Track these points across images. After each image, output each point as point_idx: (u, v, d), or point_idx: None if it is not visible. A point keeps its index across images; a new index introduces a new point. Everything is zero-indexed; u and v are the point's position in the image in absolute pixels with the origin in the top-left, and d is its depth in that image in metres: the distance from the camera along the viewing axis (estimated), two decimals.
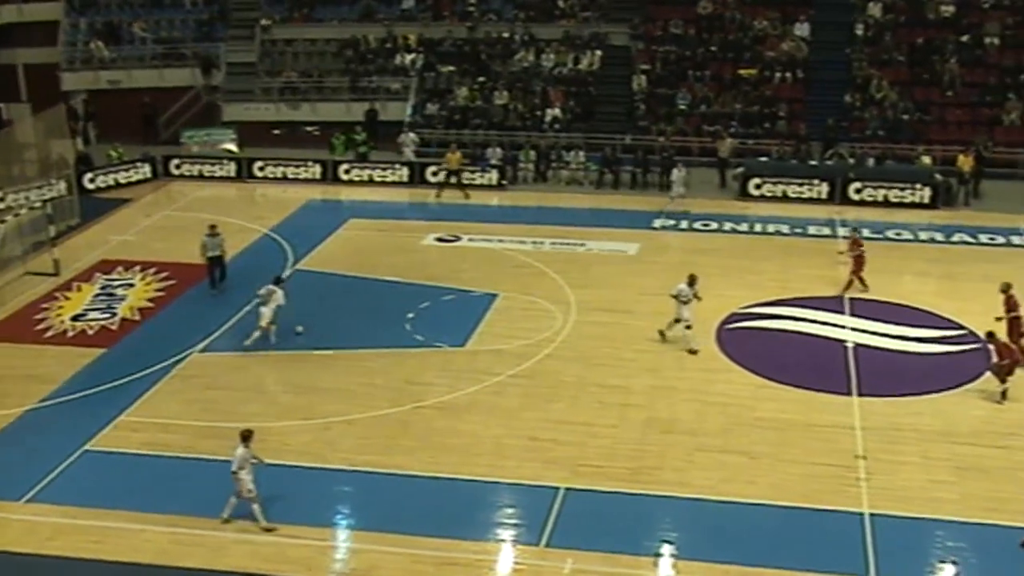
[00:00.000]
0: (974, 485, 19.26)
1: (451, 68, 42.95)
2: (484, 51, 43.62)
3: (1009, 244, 31.71)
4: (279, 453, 19.89)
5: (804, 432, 21.14)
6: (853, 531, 17.94)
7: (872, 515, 18.32)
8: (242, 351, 24.72)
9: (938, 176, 35.54)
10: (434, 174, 37.55)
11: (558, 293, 27.93)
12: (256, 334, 24.93)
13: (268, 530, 18.06)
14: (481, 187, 37.37)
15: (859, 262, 27.94)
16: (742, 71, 41.30)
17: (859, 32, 41.99)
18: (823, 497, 18.94)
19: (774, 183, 36.03)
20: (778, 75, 41.05)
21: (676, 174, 34.82)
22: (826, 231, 32.90)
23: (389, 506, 18.86)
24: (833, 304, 27.01)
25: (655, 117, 40.20)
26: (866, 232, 31.62)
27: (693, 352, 24.38)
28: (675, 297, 24.76)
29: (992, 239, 32.05)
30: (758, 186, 36.16)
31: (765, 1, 43.63)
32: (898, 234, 32.55)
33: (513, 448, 20.66)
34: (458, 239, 32.34)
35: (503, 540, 18.01)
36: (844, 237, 29.99)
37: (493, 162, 37.90)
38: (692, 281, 24.76)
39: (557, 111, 40.66)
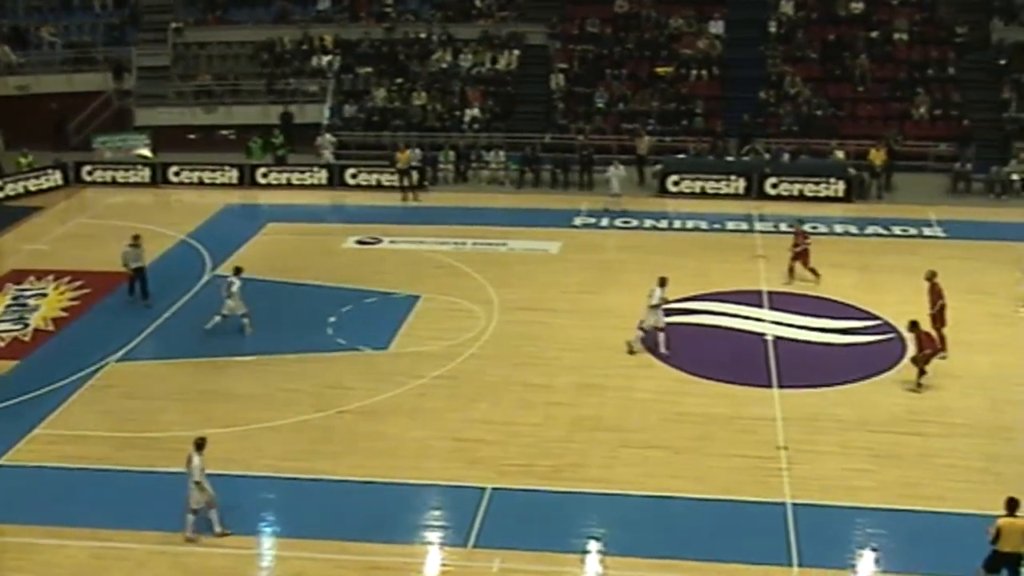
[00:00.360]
0: (890, 472, 19.63)
1: (368, 69, 42.73)
2: (402, 52, 43.47)
3: (921, 235, 32.38)
4: None
5: (727, 425, 21.37)
6: (776, 521, 18.18)
7: (794, 504, 18.58)
8: (163, 359, 24.36)
9: (851, 170, 36.20)
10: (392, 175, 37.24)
11: (480, 293, 27.91)
12: (216, 319, 25.23)
13: (224, 535, 17.81)
14: (401, 188, 37.19)
15: (804, 256, 28.28)
16: (659, 69, 41.68)
17: (772, 29, 42.62)
18: (746, 488, 19.16)
19: (692, 180, 36.40)
20: (694, 73, 41.49)
21: (612, 171, 34.74)
22: (744, 226, 33.32)
23: (314, 512, 18.69)
24: (752, 298, 27.36)
25: (574, 116, 40.38)
26: (782, 226, 32.12)
27: (632, 352, 24.30)
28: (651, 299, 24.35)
29: (905, 231, 32.69)
30: (676, 183, 36.51)
31: (680, 0, 44.08)
32: (813, 227, 32.94)
33: (438, 450, 20.59)
34: (379, 241, 32.16)
35: (430, 542, 17.95)
36: (789, 230, 30.28)
37: (413, 163, 37.73)
38: (664, 283, 24.53)
39: (476, 111, 40.66)
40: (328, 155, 38.89)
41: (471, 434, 21.11)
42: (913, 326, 22.76)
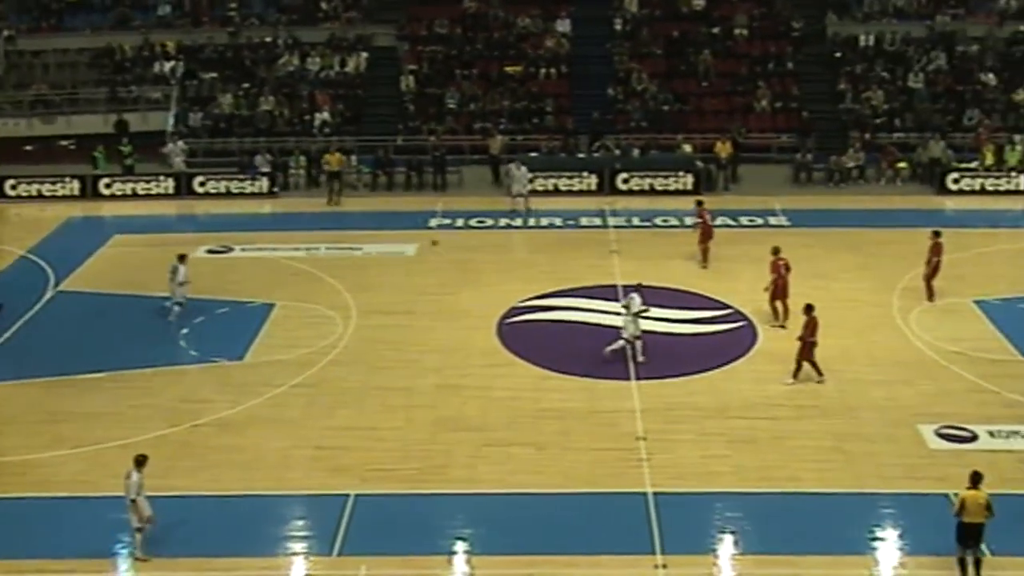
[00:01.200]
0: (746, 456, 20.13)
1: (213, 75, 41.85)
2: (247, 56, 42.71)
3: (767, 225, 33.33)
4: (46, 485, 18.92)
5: (587, 419, 21.60)
6: (638, 511, 18.43)
7: (655, 494, 18.88)
8: (6, 380, 23.36)
9: (699, 163, 37.03)
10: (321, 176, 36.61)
11: (337, 299, 27.60)
12: (176, 309, 26.05)
13: (143, 560, 17.23)
14: (251, 195, 36.55)
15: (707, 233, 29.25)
16: (508, 68, 41.94)
17: (618, 27, 43.32)
18: (608, 481, 19.40)
19: (545, 177, 36.70)
20: (543, 71, 41.85)
21: (515, 172, 34.39)
22: (597, 222, 33.74)
23: (172, 529, 18.11)
24: (608, 292, 27.71)
25: (425, 117, 40.30)
26: (635, 220, 32.63)
27: (608, 360, 23.76)
28: (626, 307, 24.11)
29: (751, 221, 33.60)
30: (530, 181, 36.66)
31: None
32: (665, 221, 33.69)
33: (299, 459, 20.27)
34: (230, 250, 31.51)
35: (294, 553, 17.64)
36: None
37: (262, 170, 37.11)
38: (639, 288, 24.52)
39: (326, 115, 40.20)
40: (180, 163, 37.91)
41: (332, 441, 20.85)
42: (808, 309, 22.88)
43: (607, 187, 36.46)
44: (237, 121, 40.30)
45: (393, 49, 43.21)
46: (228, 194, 36.76)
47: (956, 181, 36.31)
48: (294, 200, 36.62)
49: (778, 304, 25.69)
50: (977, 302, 26.81)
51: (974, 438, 20.53)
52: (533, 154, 38.12)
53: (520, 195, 34.39)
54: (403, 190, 37.40)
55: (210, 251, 31.45)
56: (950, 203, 35.59)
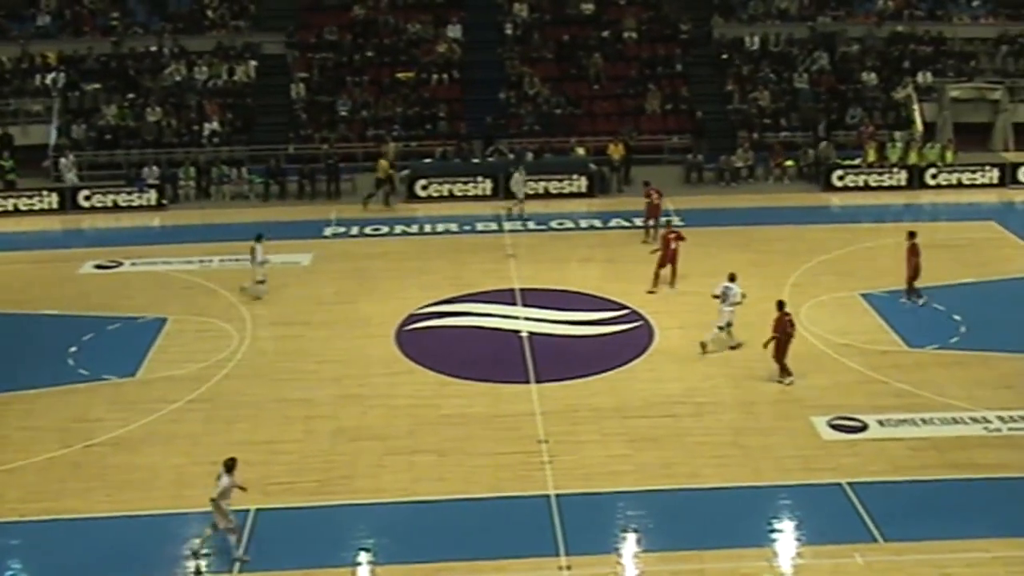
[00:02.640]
0: (647, 455, 20.34)
1: (97, 86, 40.85)
2: (132, 66, 41.80)
3: (660, 225, 33.66)
4: None
5: (489, 424, 21.59)
6: (541, 514, 18.49)
7: (558, 496, 18.96)
8: None
9: (592, 166, 37.34)
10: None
11: (231, 311, 27.16)
12: (262, 287, 27.72)
13: (244, 561, 17.23)
14: (140, 208, 35.78)
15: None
16: (400, 74, 41.78)
17: (509, 32, 43.49)
18: (511, 485, 19.42)
19: (440, 183, 36.68)
20: (435, 77, 41.79)
21: (516, 177, 34.18)
22: (493, 226, 33.78)
23: (65, 553, 17.64)
24: (505, 296, 27.79)
25: (317, 125, 39.93)
26: (531, 224, 32.73)
27: (735, 347, 24.35)
28: (720, 297, 24.32)
29: (645, 221, 33.89)
30: (425, 187, 36.69)
31: (417, 5, 44.33)
32: (560, 224, 33.90)
33: (197, 476, 19.82)
34: (120, 264, 30.79)
35: (191, 572, 17.27)
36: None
37: (150, 181, 36.34)
38: (733, 278, 24.52)
39: (215, 125, 39.56)
40: (72, 176, 36.91)
41: (231, 456, 20.44)
42: (780, 306, 23.09)
43: (502, 192, 36.54)
44: (123, 132, 39.41)
45: (282, 57, 42.72)
46: (116, 208, 35.92)
47: (841, 178, 37.24)
48: (185, 212, 35.95)
49: (663, 271, 27.08)
50: (864, 295, 27.53)
51: (865, 428, 21.06)
52: (427, 160, 38.04)
53: (520, 200, 34.12)
54: (296, 199, 36.98)
55: (98, 266, 30.69)
56: (836, 200, 36.49)
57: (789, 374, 22.93)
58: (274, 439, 21.11)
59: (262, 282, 27.82)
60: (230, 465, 17.64)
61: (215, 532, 17.53)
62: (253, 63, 42.00)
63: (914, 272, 27.17)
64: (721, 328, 24.36)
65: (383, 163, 35.79)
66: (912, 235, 27.35)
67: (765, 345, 22.96)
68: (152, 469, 20.09)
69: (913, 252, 27.17)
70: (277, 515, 18.65)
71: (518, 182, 34.23)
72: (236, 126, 39.98)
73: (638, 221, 33.98)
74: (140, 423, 21.76)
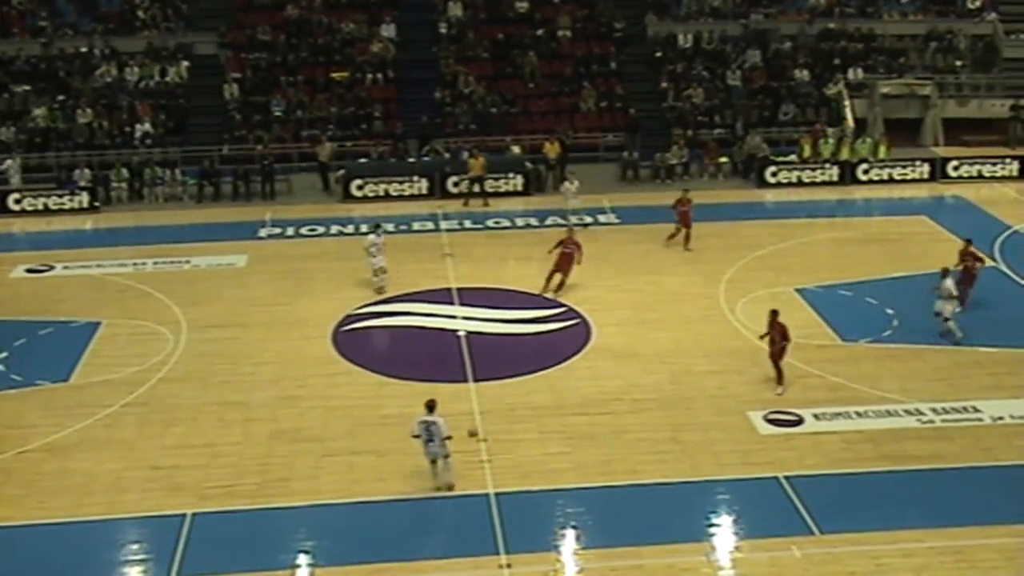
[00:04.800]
0: (586, 452, 20.42)
1: (26, 87, 40.12)
2: (62, 68, 41.10)
3: (597, 223, 33.89)
4: None
5: None
6: (481, 513, 18.50)
7: (497, 494, 18.98)
8: None
9: (528, 164, 37.39)
10: (455, 184, 36.19)
11: (166, 314, 26.83)
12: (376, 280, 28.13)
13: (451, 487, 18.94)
14: (71, 211, 35.20)
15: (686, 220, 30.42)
16: (334, 74, 41.54)
17: (443, 31, 43.40)
18: None
19: (376, 183, 36.50)
20: (370, 76, 41.60)
21: (569, 187, 33.39)
22: (429, 226, 33.71)
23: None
24: (443, 296, 27.74)
25: (251, 125, 39.56)
26: (467, 223, 32.68)
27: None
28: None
29: (581, 219, 34.03)
30: (360, 187, 36.51)
31: (351, 4, 44.10)
32: (497, 222, 33.90)
33: (133, 481, 19.61)
34: (51, 268, 30.26)
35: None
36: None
37: (82, 184, 35.76)
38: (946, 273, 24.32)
39: (148, 126, 39.01)
40: (17, 180, 36.20)
41: (168, 461, 20.25)
42: (773, 315, 22.69)
43: (438, 191, 36.46)
44: (54, 135, 38.75)
45: (215, 57, 42.27)
46: (47, 211, 35.30)
47: (775, 174, 37.64)
48: (118, 214, 35.42)
49: (556, 276, 27.28)
50: (799, 290, 27.86)
51: (800, 421, 21.32)
52: (363, 160, 37.85)
53: (576, 210, 33.54)
54: (231, 200, 36.59)
55: (30, 270, 30.15)
56: (770, 196, 36.88)
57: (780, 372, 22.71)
58: (211, 442, 20.89)
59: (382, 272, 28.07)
60: (432, 405, 18.92)
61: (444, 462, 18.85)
62: (185, 64, 41.51)
63: (971, 279, 26.54)
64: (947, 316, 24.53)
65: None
66: (969, 242, 27.20)
67: (763, 337, 22.98)
68: (87, 475, 19.80)
69: (971, 258, 26.67)
70: (215, 518, 18.47)
71: (571, 192, 33.50)
72: (169, 127, 39.48)
73: (575, 219, 34.08)
74: (74, 428, 21.43)
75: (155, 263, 30.42)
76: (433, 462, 19.06)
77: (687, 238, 30.63)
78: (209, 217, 35.05)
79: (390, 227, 33.52)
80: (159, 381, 23.42)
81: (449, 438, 18.84)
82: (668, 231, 31.54)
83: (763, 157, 37.97)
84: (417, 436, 18.94)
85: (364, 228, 33.58)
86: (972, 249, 26.88)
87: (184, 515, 18.46)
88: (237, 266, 30.37)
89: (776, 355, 22.58)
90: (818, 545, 17.55)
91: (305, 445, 20.78)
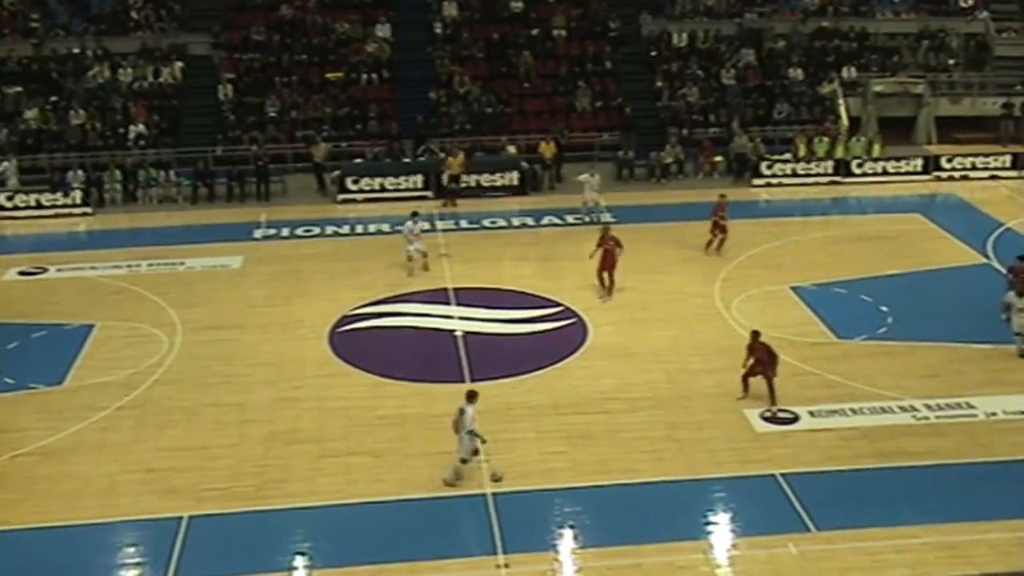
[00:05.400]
0: (583, 451, 20.41)
1: (18, 89, 39.97)
2: (54, 68, 40.96)
3: (593, 222, 33.78)
4: None
5: (425, 424, 21.51)
6: (478, 512, 18.51)
7: (495, 494, 18.97)
8: None
9: (524, 164, 37.37)
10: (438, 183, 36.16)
11: (161, 316, 26.78)
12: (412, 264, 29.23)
13: (451, 485, 19.14)
14: (65, 213, 35.12)
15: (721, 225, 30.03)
16: (329, 74, 41.46)
17: (438, 31, 43.32)
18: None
19: (372, 183, 36.43)
20: (365, 77, 41.53)
21: (589, 179, 33.74)
22: (425, 225, 33.55)
23: None
24: (439, 296, 27.73)
25: (245, 126, 39.48)
26: (463, 223, 32.65)
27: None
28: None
29: (578, 219, 34.05)
30: (356, 188, 36.41)
31: (345, 4, 44.05)
32: (493, 222, 33.88)
33: (128, 484, 19.58)
34: (45, 271, 30.18)
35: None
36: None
37: (75, 186, 35.69)
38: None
39: (141, 127, 38.91)
40: (15, 182, 36.11)
41: (163, 463, 20.21)
42: (754, 336, 22.13)
43: (434, 191, 36.42)
44: (46, 136, 38.65)
45: (209, 58, 42.19)
46: (40, 213, 35.20)
47: (769, 172, 37.62)
48: (111, 216, 35.32)
49: (604, 276, 27.04)
50: (794, 288, 27.87)
51: (796, 419, 21.33)
52: (358, 160, 37.80)
53: (596, 201, 33.90)
54: (225, 202, 36.51)
55: (22, 272, 30.07)
56: (765, 194, 36.90)
57: (745, 392, 22.10)
58: (207, 444, 20.86)
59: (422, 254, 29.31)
60: (472, 395, 19.20)
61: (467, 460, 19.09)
62: (179, 64, 41.41)
63: None
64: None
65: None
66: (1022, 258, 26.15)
67: (743, 363, 22.19)
68: (82, 478, 19.75)
69: None
70: (212, 521, 18.44)
71: (591, 184, 33.79)
72: (162, 128, 39.38)
73: (570, 218, 34.13)
74: (68, 432, 21.38)
75: (149, 265, 30.36)
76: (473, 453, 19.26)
77: (721, 243, 30.27)
78: (204, 218, 34.99)
79: (386, 227, 33.56)
80: (154, 383, 23.37)
81: (473, 433, 18.89)
82: (665, 231, 31.56)
83: (752, 157, 37.93)
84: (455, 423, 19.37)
85: (359, 229, 33.69)
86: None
87: (180, 518, 18.43)
88: (232, 267, 30.32)
89: (767, 374, 21.87)
90: (815, 542, 17.56)
91: (302, 446, 20.75)
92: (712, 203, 30.87)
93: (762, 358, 21.82)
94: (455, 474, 19.26)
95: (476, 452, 19.17)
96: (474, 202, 35.57)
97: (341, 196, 36.06)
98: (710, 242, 30.22)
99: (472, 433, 18.96)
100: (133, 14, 43.12)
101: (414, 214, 29.83)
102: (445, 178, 35.95)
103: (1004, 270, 26.88)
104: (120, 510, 18.78)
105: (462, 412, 19.04)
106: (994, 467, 19.83)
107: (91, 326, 26.15)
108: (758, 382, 22.01)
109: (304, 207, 35.50)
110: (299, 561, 17.35)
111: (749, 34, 44.07)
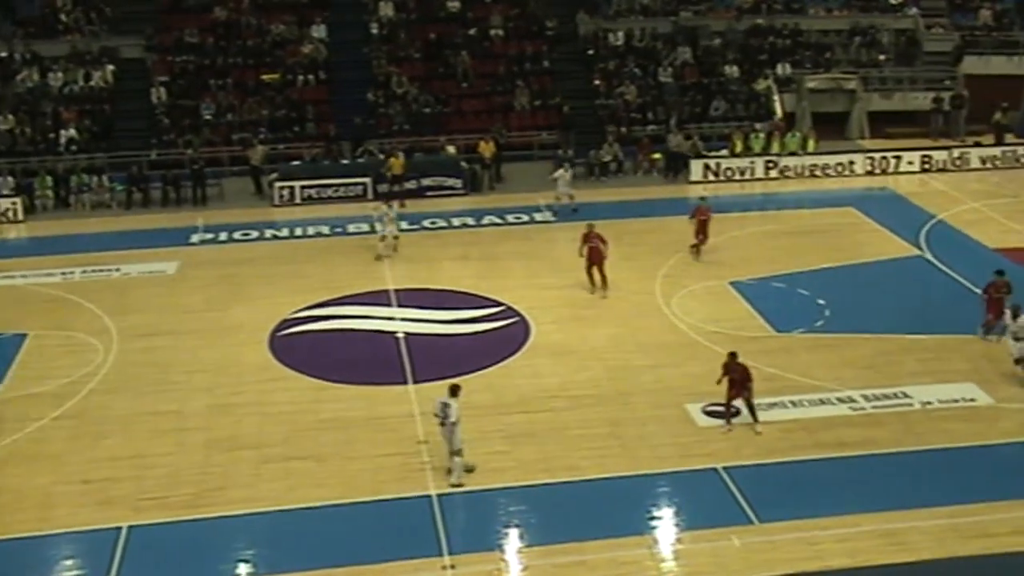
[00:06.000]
0: (526, 450, 20.41)
1: None
2: None
3: (533, 221, 33.93)
4: None
5: (368, 427, 21.39)
6: (424, 514, 18.41)
7: (439, 496, 18.90)
8: None
9: (464, 164, 37.30)
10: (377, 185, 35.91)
11: (96, 323, 26.37)
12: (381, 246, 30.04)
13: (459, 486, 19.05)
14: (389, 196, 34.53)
15: (704, 230, 29.83)
16: (265, 76, 41.11)
17: (375, 31, 43.13)
18: (392, 487, 19.27)
19: (310, 186, 36.14)
20: (301, 78, 41.22)
21: (560, 173, 34.12)
22: (365, 228, 33.46)
23: None
24: (380, 298, 27.58)
25: (180, 129, 39.00)
26: (403, 224, 32.54)
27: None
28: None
29: (518, 218, 34.13)
30: (294, 190, 36.11)
31: (281, 5, 43.69)
32: (433, 223, 33.78)
33: (64, 495, 19.22)
34: None
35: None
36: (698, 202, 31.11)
37: (5, 192, 35.02)
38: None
39: (73, 132, 38.27)
40: None
41: (100, 473, 19.88)
42: (731, 356, 21.32)
43: (372, 192, 36.22)
44: None
45: (141, 61, 41.61)
46: None
47: (707, 169, 37.90)
48: (43, 223, 34.72)
49: (594, 273, 27.21)
50: (733, 283, 28.10)
51: (737, 413, 21.46)
52: (296, 163, 37.49)
53: (569, 194, 34.21)
54: (160, 206, 36.05)
55: None
56: (702, 191, 37.12)
57: (731, 418, 21.27)
58: (145, 453, 20.55)
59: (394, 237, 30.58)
60: (455, 389, 19.30)
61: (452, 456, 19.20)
62: (110, 67, 40.80)
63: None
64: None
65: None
66: (1000, 272, 25.15)
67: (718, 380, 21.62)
68: (16, 491, 19.37)
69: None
70: (151, 531, 18.17)
71: (564, 180, 34.23)
72: (95, 133, 38.77)
73: (511, 218, 34.12)
74: (1, 444, 20.95)
75: (83, 272, 29.87)
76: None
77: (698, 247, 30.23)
78: (138, 224, 34.45)
79: (325, 230, 33.34)
80: (90, 392, 23.00)
81: (455, 423, 19.06)
82: (604, 228, 31.41)
83: (690, 154, 38.16)
84: (436, 416, 19.43)
85: (298, 232, 33.41)
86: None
87: (119, 528, 18.14)
88: (168, 273, 29.91)
89: (743, 395, 21.08)
90: (757, 534, 17.71)
91: (242, 453, 20.52)
92: (653, 200, 30.95)
93: (735, 378, 21.17)
94: (457, 472, 19.22)
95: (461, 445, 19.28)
96: (414, 203, 35.38)
97: (278, 199, 35.74)
98: (696, 246, 30.13)
99: (455, 425, 19.06)
100: (63, 17, 42.44)
101: (387, 198, 31.42)
102: (388, 179, 35.76)
103: (979, 291, 25.33)
104: (56, 522, 18.43)
105: (446, 406, 19.10)
106: (929, 455, 20.13)
107: (24, 335, 25.67)
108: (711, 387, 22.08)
109: (241, 211, 35.15)
110: (242, 569, 17.14)
111: (685, 32, 44.38)
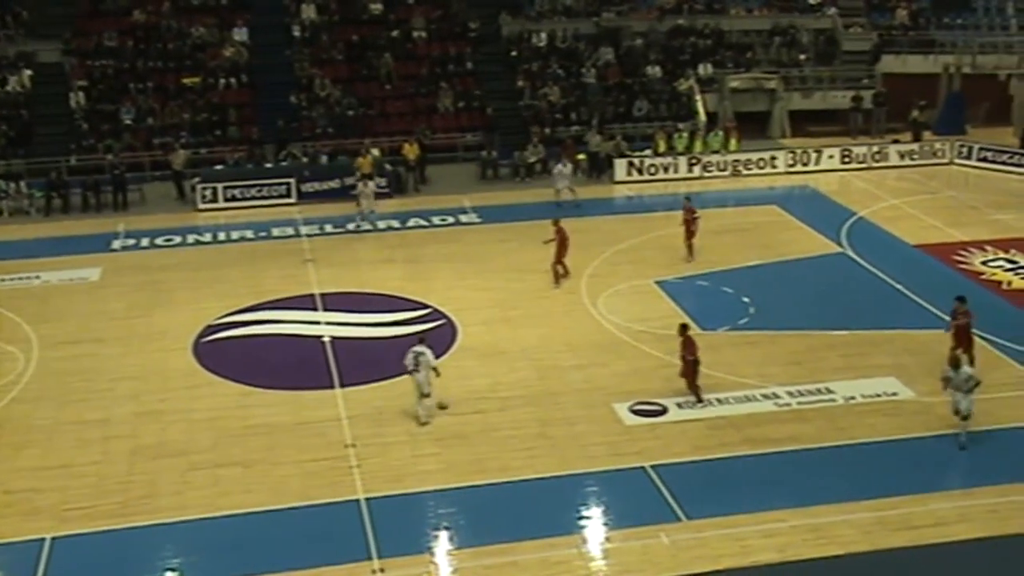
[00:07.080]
0: (457, 452, 20.41)
1: None
2: None
3: (459, 223, 33.93)
4: None
5: (295, 432, 21.26)
6: (352, 518, 18.35)
7: (368, 499, 18.85)
8: None
9: (388, 166, 37.18)
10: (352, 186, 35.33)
11: (16, 332, 25.87)
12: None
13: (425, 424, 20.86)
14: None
15: (690, 229, 30.10)
16: (186, 80, 40.62)
17: (297, 34, 42.84)
18: (320, 492, 19.18)
19: (233, 190, 35.77)
20: (223, 81, 40.81)
21: (562, 169, 34.57)
22: (289, 231, 33.22)
23: None
24: (306, 302, 27.40)
25: (100, 134, 38.38)
26: (328, 227, 32.34)
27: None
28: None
29: (444, 220, 34.11)
30: (217, 194, 35.72)
31: (201, 8, 43.19)
32: (358, 226, 33.60)
33: None
34: None
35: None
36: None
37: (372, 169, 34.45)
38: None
39: None
40: None
41: (23, 484, 19.53)
42: (683, 330, 22.18)
43: (296, 195, 35.98)
44: None
45: (59, 65, 40.85)
46: None
47: (631, 169, 38.22)
48: None
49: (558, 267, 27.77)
50: (658, 282, 28.37)
51: (664, 411, 21.70)
52: (219, 167, 37.09)
53: (571, 189, 34.80)
54: (81, 212, 35.43)
55: None
56: (627, 190, 37.47)
57: (701, 400, 21.92)
58: (69, 463, 20.22)
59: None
60: (423, 338, 21.12)
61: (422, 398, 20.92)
62: (28, 72, 40.02)
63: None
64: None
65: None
66: (961, 300, 23.26)
67: (689, 374, 22.01)
68: None
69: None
70: (76, 541, 17.91)
71: (562, 175, 34.79)
72: (12, 138, 38.01)
73: (436, 219, 34.09)
74: None
75: (2, 280, 29.28)
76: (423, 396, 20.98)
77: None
78: (58, 230, 33.85)
79: (249, 234, 33.03)
80: (11, 402, 22.58)
81: (436, 371, 21.11)
82: (530, 229, 31.68)
83: (613, 154, 38.46)
84: (407, 366, 21.05)
85: (221, 236, 33.04)
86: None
87: (43, 539, 17.83)
88: (90, 280, 29.43)
89: (688, 373, 21.88)
90: (686, 531, 17.91)
91: (168, 460, 20.28)
92: (581, 200, 31.03)
93: (684, 355, 21.83)
94: (426, 412, 21.14)
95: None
96: (338, 205, 35.14)
97: (201, 200, 35.34)
98: (690, 246, 30.29)
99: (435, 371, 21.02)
100: None
101: (367, 176, 33.61)
102: (356, 177, 35.40)
103: (948, 318, 23.79)
104: None
105: (420, 354, 20.90)
106: (854, 449, 20.50)
107: None
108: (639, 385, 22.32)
109: (164, 216, 34.69)
110: None
111: (607, 33, 44.71)
